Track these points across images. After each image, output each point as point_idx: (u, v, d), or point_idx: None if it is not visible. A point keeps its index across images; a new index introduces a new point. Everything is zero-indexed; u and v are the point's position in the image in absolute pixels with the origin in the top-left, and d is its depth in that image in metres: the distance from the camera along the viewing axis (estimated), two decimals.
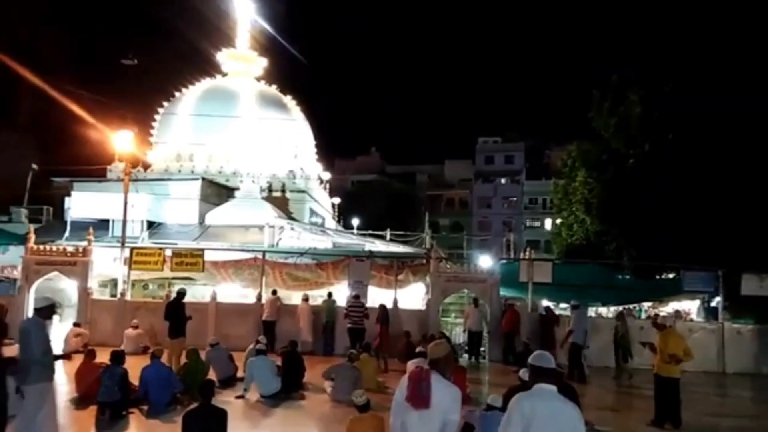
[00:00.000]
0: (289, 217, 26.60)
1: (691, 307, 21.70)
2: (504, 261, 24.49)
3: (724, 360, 15.85)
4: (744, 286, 16.09)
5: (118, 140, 20.13)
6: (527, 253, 20.12)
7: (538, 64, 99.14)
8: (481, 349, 16.70)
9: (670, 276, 20.62)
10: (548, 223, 53.87)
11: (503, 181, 60.59)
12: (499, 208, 59.33)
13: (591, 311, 22.59)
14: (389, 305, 17.03)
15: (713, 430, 9.33)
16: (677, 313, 17.86)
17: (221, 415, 6.92)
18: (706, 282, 16.83)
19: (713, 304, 19.06)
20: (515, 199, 59.79)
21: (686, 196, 20.76)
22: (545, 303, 18.95)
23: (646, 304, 23.20)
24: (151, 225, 24.72)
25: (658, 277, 22.10)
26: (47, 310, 6.92)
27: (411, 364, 7.82)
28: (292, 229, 23.85)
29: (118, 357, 9.14)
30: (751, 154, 20.26)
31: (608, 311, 22.34)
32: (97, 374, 9.13)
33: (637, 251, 22.49)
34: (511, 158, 60.82)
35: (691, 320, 19.61)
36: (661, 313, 17.10)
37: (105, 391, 8.69)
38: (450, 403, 4.12)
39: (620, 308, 18.53)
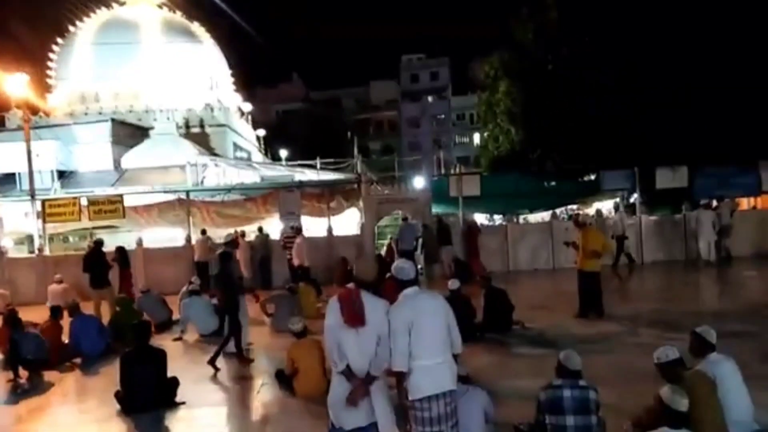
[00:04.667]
0: (212, 153, 25.63)
1: (610, 205, 22.83)
2: (435, 178, 24.76)
3: (642, 251, 16.90)
4: (658, 180, 16.99)
5: (11, 84, 18.33)
6: (456, 168, 20.35)
7: None
8: (418, 266, 16.83)
9: (592, 177, 21.49)
10: (477, 138, 54.58)
11: (430, 99, 60.26)
12: (428, 126, 59.38)
13: (520, 219, 23.61)
14: (323, 234, 17.03)
15: (634, 316, 10.00)
16: (599, 213, 18.74)
17: (160, 355, 6.82)
18: (624, 179, 17.67)
19: (632, 200, 20.12)
20: (443, 116, 59.89)
21: (602, 97, 21.31)
22: (472, 217, 19.37)
23: (573, 207, 24.24)
24: (62, 174, 23.24)
25: (580, 180, 23.00)
26: (232, 244, 9.50)
27: None
28: (216, 165, 23.01)
29: (13, 321, 8.72)
30: (660, 50, 20.79)
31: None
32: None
33: (560, 156, 23.22)
34: (436, 74, 60.27)
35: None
36: (582, 213, 17.91)
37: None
38: (381, 317, 4.21)
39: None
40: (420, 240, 15.75)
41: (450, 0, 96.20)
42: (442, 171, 35.03)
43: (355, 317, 4.16)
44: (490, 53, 28.95)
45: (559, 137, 22.94)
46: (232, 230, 16.97)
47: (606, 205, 23.15)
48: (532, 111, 23.91)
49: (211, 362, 8.18)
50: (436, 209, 18.10)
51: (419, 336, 4.02)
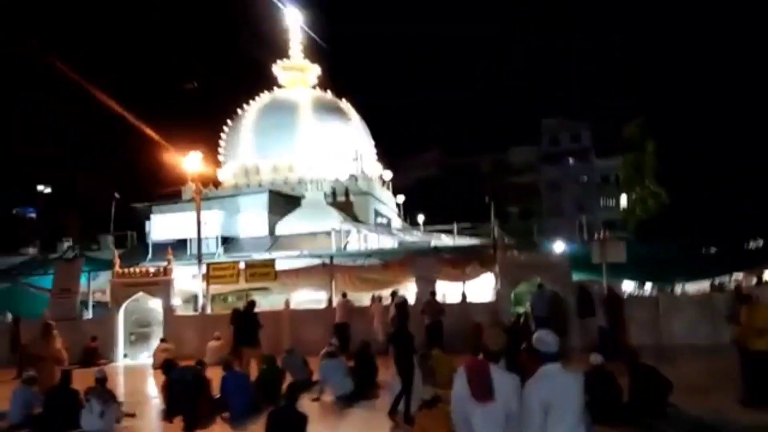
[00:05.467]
0: (355, 219, 26.99)
1: None
2: (576, 244, 23.68)
3: None
4: None
5: (189, 162, 21.16)
6: (601, 233, 19.36)
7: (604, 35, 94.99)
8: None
9: (759, 244, 19.26)
10: (624, 201, 51.57)
11: (572, 161, 58.45)
12: (570, 189, 57.30)
13: (677, 288, 21.54)
14: (459, 299, 16.97)
15: None
16: (764, 282, 16.59)
17: (302, 419, 7.15)
18: None
19: None
20: (586, 178, 57.56)
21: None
22: (614, 285, 18.08)
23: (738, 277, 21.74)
24: (225, 240, 25.82)
25: (748, 247, 20.69)
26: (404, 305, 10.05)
27: None
28: (358, 232, 24.19)
29: (170, 366, 9.75)
30: None
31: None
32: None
33: (718, 221, 21.18)
34: (577, 136, 58.63)
35: None
36: (745, 284, 15.96)
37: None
38: (512, 393, 4.09)
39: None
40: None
41: (590, 63, 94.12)
42: (585, 236, 33.45)
43: (482, 392, 4.07)
44: (635, 112, 27.81)
45: (718, 198, 21.04)
46: (370, 294, 17.72)
47: None
48: (683, 171, 22.30)
49: (390, 414, 8.79)
50: (578, 276, 17.26)
51: (557, 419, 3.82)
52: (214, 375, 10.36)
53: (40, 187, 44.02)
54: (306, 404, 9.82)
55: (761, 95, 19.10)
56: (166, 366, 9.97)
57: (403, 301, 10.20)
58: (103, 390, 9.35)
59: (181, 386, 9.20)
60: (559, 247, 20.53)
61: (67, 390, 9.37)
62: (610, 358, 9.30)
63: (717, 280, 19.07)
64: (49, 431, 8.78)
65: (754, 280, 17.67)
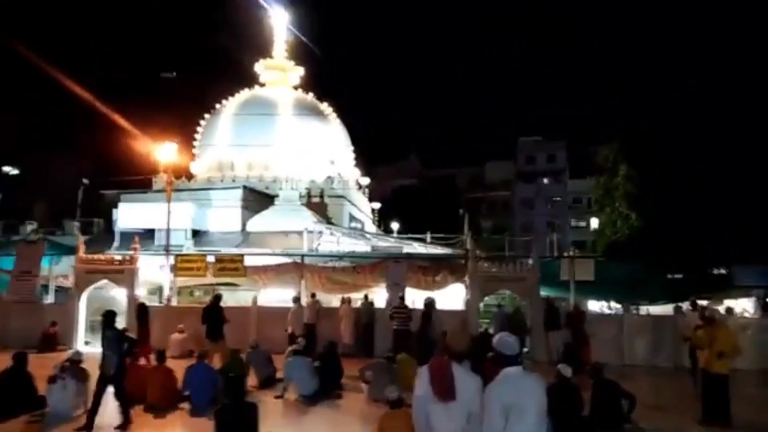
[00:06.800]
0: (328, 222, 26.86)
1: (745, 304, 20.69)
2: (548, 258, 23.92)
3: None
4: None
5: (162, 152, 20.82)
6: (571, 252, 19.66)
7: (581, 59, 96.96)
8: (524, 349, 16.40)
9: (722, 271, 19.77)
10: (595, 222, 52.41)
11: (546, 180, 59.32)
12: (543, 208, 58.07)
13: (643, 310, 21.93)
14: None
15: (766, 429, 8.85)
16: (729, 310, 17.00)
17: (251, 409, 7.04)
18: (760, 276, 16.09)
19: None
20: (559, 198, 58.42)
21: (735, 185, 19.94)
22: (578, 303, 18.40)
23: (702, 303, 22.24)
24: (196, 233, 25.40)
25: (710, 272, 21.18)
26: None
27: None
28: (331, 233, 24.06)
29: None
30: None
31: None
32: (140, 376, 9.48)
33: (685, 246, 21.70)
34: (553, 157, 59.51)
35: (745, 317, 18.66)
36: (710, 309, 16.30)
37: None
38: (473, 394, 4.07)
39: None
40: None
41: (569, 83, 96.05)
42: (555, 253, 33.90)
43: (444, 391, 4.05)
44: (610, 136, 28.40)
45: (684, 225, 21.57)
46: (340, 296, 17.62)
47: (740, 304, 21.02)
48: (654, 196, 22.83)
49: None
50: (545, 292, 17.46)
51: (518, 421, 3.80)
52: (178, 367, 10.17)
53: (6, 169, 42.77)
54: (269, 402, 9.73)
55: (737, 125, 19.79)
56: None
57: (431, 302, 10.30)
58: (79, 369, 9.14)
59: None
60: (528, 263, 20.67)
61: (22, 372, 9.07)
62: (573, 372, 9.39)
63: (681, 305, 19.42)
64: (1, 412, 8.46)
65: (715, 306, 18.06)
